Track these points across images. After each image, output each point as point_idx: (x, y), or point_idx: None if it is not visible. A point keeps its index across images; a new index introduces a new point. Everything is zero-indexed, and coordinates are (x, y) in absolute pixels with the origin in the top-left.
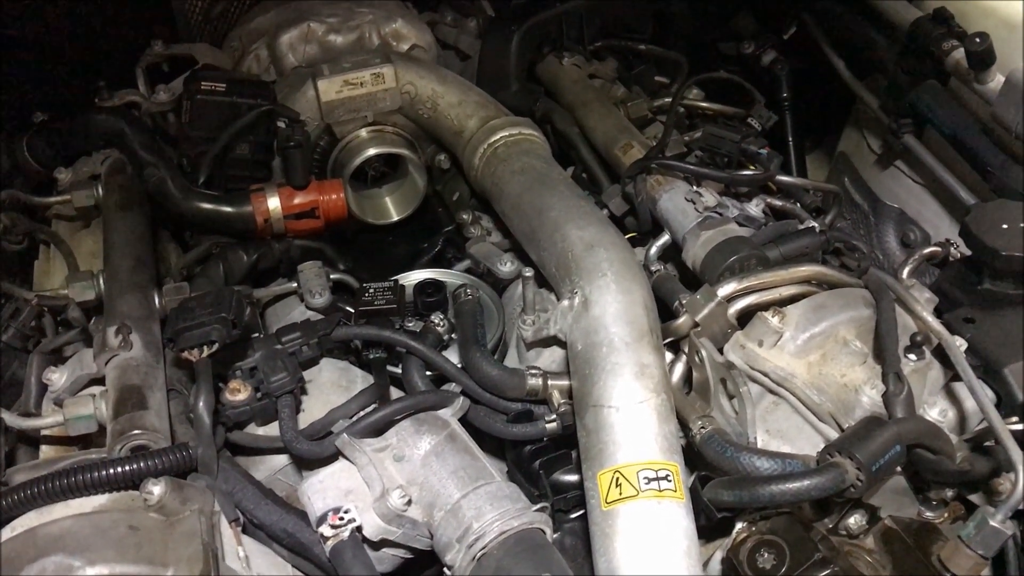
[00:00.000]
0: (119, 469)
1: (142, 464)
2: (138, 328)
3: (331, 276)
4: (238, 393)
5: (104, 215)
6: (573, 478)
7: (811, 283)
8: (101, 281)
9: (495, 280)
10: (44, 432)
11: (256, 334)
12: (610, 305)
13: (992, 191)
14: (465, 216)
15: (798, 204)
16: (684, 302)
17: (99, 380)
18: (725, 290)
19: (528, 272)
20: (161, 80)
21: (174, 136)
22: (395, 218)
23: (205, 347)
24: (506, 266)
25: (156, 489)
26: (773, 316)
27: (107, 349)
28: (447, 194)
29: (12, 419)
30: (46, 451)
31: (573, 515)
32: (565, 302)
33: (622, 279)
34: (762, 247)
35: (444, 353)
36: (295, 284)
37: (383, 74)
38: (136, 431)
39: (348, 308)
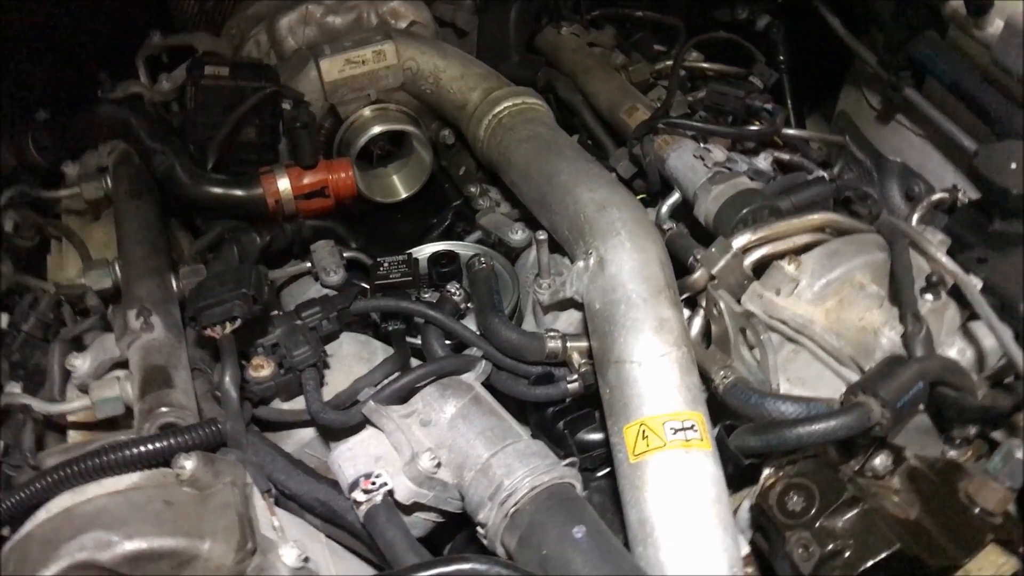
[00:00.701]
0: (150, 447)
1: (172, 440)
2: (158, 310)
3: (344, 254)
4: (261, 369)
5: (115, 205)
6: (598, 436)
7: (824, 231)
8: (117, 268)
9: (507, 249)
10: (71, 418)
11: (275, 311)
12: (625, 263)
13: (996, 137)
14: (473, 189)
15: (805, 158)
16: (699, 256)
17: (122, 363)
18: (739, 241)
19: (542, 235)
20: (160, 71)
21: (179, 126)
22: (403, 195)
23: (228, 323)
24: (517, 235)
25: (188, 464)
26: (789, 264)
27: (129, 332)
28: (453, 169)
29: (39, 405)
30: (74, 436)
31: (600, 473)
32: (580, 263)
33: (636, 237)
34: (774, 198)
35: (462, 322)
36: (309, 264)
37: (384, 51)
38: (164, 408)
39: (363, 284)
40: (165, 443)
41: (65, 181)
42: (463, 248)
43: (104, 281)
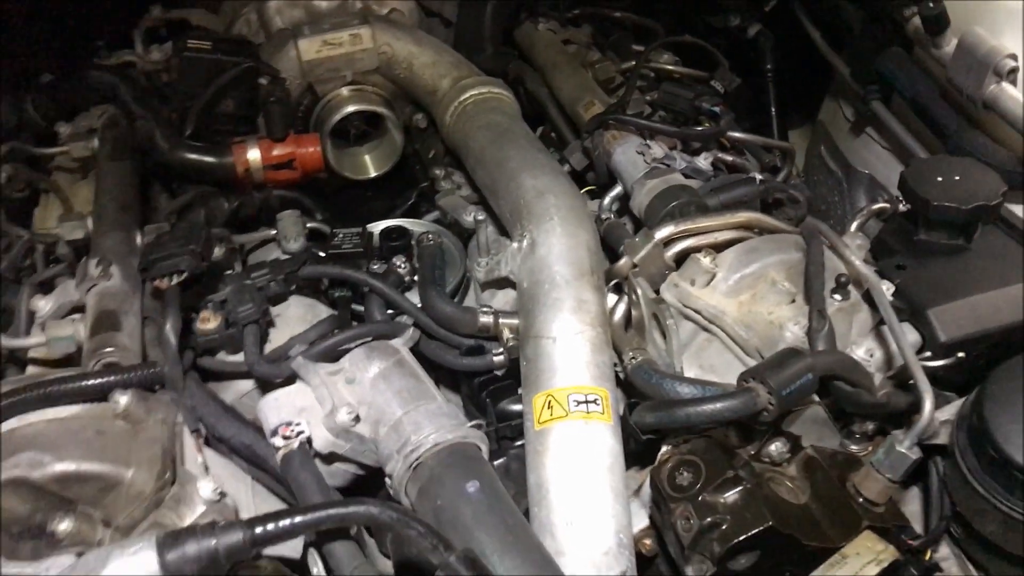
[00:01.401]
0: (90, 382)
1: (111, 378)
2: (119, 262)
3: (307, 224)
4: (208, 322)
5: (98, 165)
6: (518, 407)
7: (750, 230)
8: (90, 223)
9: (460, 230)
10: (31, 354)
11: (229, 271)
12: (555, 246)
13: (948, 153)
14: (438, 171)
15: (753, 161)
16: (625, 245)
17: (81, 308)
18: (662, 233)
19: (481, 215)
20: (160, 43)
21: (167, 93)
22: (373, 174)
23: (175, 276)
24: (470, 216)
25: (123, 399)
26: (705, 257)
27: (88, 278)
28: (424, 152)
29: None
30: (32, 371)
31: (519, 443)
32: (515, 244)
33: (567, 223)
34: (703, 196)
35: (404, 295)
36: (274, 231)
37: (360, 35)
38: (108, 349)
39: (320, 253)
40: (104, 379)
41: (58, 140)
42: (416, 225)
43: (76, 232)
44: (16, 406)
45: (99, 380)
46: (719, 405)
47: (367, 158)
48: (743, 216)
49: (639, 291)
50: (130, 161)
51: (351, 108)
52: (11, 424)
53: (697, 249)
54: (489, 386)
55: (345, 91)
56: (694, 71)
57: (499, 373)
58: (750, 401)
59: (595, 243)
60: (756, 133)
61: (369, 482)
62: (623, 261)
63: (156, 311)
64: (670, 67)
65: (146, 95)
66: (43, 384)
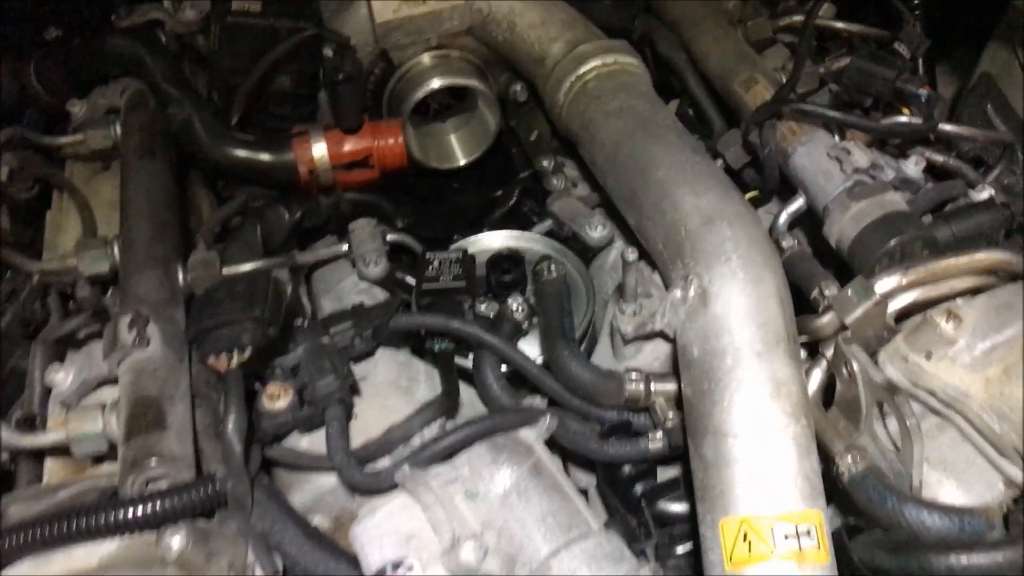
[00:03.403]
0: (132, 513)
1: (159, 506)
2: (157, 316)
3: (388, 237)
4: (277, 399)
5: (123, 162)
6: (681, 508)
7: (991, 273)
8: (116, 249)
9: (583, 247)
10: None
11: (299, 319)
12: (736, 299)
13: None
14: (546, 163)
15: (961, 160)
16: (828, 293)
17: (113, 379)
18: (885, 286)
19: (631, 255)
20: None
21: (205, 60)
22: (462, 162)
23: (235, 353)
24: (596, 231)
25: (175, 542)
26: (947, 322)
27: (119, 347)
28: (524, 132)
29: (8, 435)
30: (51, 466)
31: (680, 550)
32: (677, 292)
33: (751, 265)
34: (929, 226)
35: (525, 339)
36: (346, 246)
37: None
38: (152, 462)
39: (408, 279)
40: (150, 509)
41: (70, 123)
42: (530, 242)
43: (99, 265)
44: (32, 545)
45: (144, 510)
46: (997, 557)
47: (454, 140)
48: (987, 257)
49: (855, 366)
50: (162, 159)
51: (436, 83)
52: (25, 569)
53: (928, 304)
54: (642, 480)
55: (427, 59)
56: (872, 29)
57: None
58: None
59: (786, 292)
60: None
61: None
62: (828, 319)
63: (208, 383)
64: (840, 25)
65: (179, 69)
66: (67, 517)
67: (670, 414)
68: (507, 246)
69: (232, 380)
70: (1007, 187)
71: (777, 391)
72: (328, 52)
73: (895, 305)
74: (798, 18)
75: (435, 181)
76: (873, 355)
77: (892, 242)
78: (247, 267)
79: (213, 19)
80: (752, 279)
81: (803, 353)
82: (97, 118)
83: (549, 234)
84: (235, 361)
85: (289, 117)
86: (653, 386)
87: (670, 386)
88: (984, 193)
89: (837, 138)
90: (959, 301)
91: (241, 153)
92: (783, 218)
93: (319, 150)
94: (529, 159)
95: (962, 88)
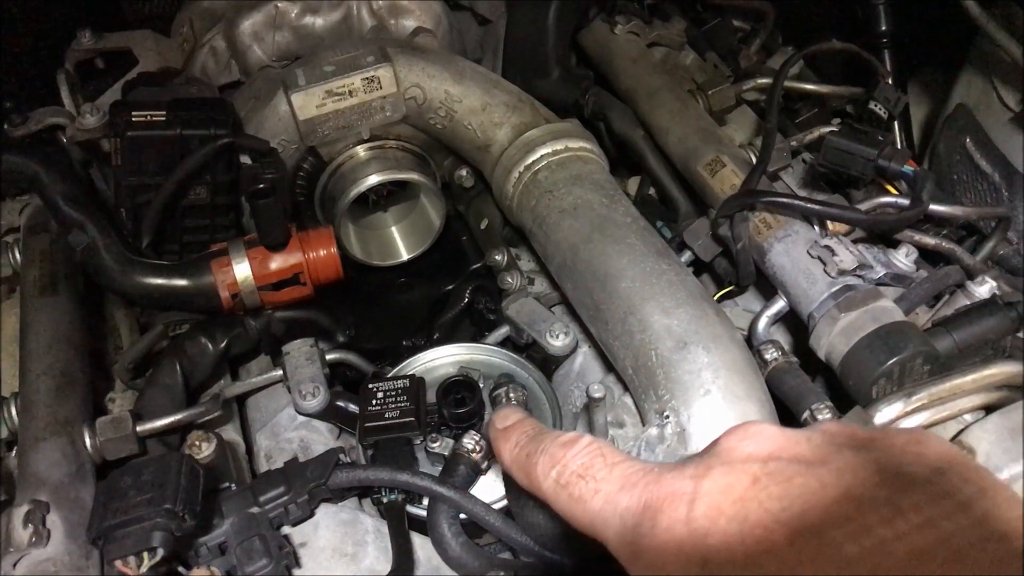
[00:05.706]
0: None
1: None
2: (59, 501)
3: (328, 357)
4: None
5: (22, 299)
6: None
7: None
8: (14, 410)
9: (544, 356)
10: None
11: (226, 484)
12: None
13: None
14: (499, 257)
15: (955, 244)
16: (821, 419)
17: None
18: (887, 416)
19: (597, 393)
20: (96, 79)
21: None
22: (406, 257)
23: (145, 555)
24: (558, 339)
25: None
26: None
27: (14, 546)
28: (473, 219)
29: None
30: None
31: None
32: (653, 431)
33: (734, 399)
34: (928, 339)
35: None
36: (280, 371)
37: (379, 77)
38: None
39: (352, 406)
40: None
41: None
42: (485, 354)
43: None
44: None
45: None
46: None
47: (396, 235)
48: (999, 372)
49: None
50: (66, 292)
51: (374, 179)
52: None
53: (934, 425)
54: None
55: (361, 151)
56: (842, 88)
57: None
58: None
59: (774, 423)
60: None
61: None
62: None
63: None
64: (810, 87)
65: (80, 187)
66: None
67: None
68: (461, 366)
69: None
70: (1002, 259)
71: None
72: (246, 159)
73: None
74: (763, 81)
75: (378, 275)
76: None
77: (890, 362)
78: (165, 422)
79: (112, 133)
80: (736, 415)
81: None
82: None
83: (504, 343)
84: (145, 566)
85: (207, 229)
86: None
87: None
88: (984, 288)
89: (817, 228)
90: (969, 426)
91: (154, 281)
92: (763, 323)
93: (242, 271)
94: (479, 249)
95: (935, 111)
